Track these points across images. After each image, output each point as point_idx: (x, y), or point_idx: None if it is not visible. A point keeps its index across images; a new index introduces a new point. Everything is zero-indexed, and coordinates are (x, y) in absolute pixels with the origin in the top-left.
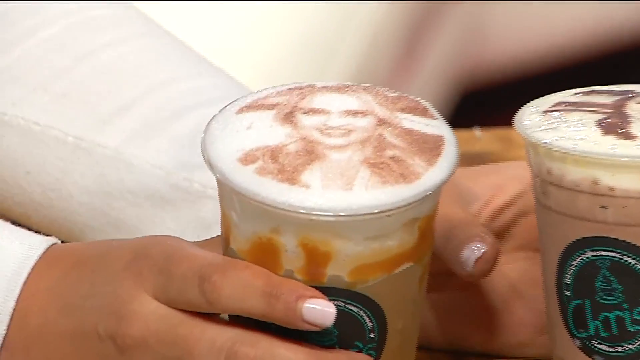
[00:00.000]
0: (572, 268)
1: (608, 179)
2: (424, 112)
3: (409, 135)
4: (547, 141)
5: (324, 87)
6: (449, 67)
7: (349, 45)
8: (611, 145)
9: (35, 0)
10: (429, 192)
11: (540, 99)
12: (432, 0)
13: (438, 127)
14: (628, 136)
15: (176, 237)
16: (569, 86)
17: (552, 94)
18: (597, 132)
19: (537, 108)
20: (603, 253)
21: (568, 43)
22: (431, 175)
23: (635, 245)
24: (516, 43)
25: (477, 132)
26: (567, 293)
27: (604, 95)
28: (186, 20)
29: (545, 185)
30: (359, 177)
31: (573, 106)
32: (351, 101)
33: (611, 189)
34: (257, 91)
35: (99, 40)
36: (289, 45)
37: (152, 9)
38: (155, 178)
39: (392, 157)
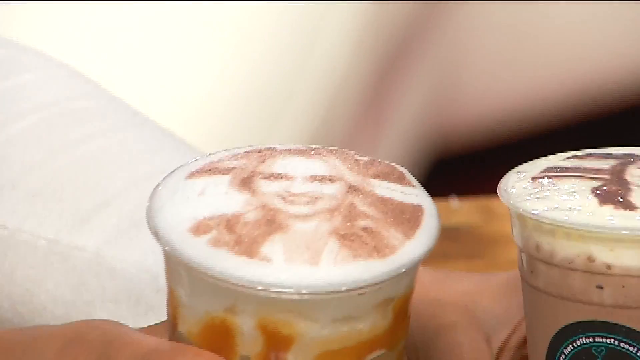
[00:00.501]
0: (564, 357)
1: (605, 255)
2: (400, 179)
3: (384, 204)
4: (535, 212)
5: (286, 150)
6: (419, 126)
7: (303, 97)
8: (609, 216)
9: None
10: (406, 269)
11: (528, 163)
12: (398, 52)
13: (416, 195)
14: (628, 206)
15: (115, 322)
16: (554, 150)
17: (541, 158)
18: (593, 202)
19: (525, 174)
20: (599, 339)
21: (552, 103)
22: (409, 249)
23: (635, 331)
24: (495, 101)
25: (454, 202)
26: None
27: (601, 159)
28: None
29: (534, 262)
30: (326, 250)
31: (565, 172)
32: (318, 165)
33: (609, 266)
34: (210, 154)
35: (78, 132)
36: (238, 99)
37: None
38: (142, 284)
39: (364, 228)
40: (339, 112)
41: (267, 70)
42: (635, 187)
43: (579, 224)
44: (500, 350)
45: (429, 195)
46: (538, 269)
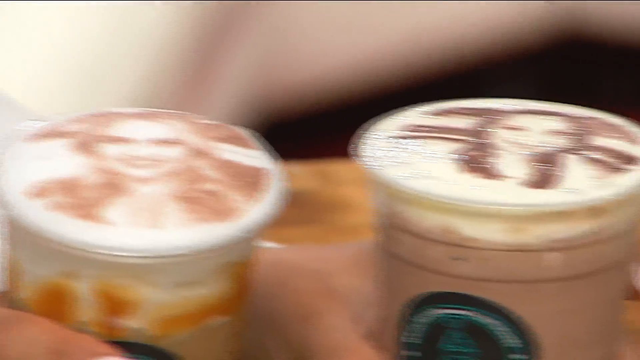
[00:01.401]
0: (418, 326)
1: (464, 227)
2: (244, 142)
3: (228, 167)
4: (395, 179)
5: (127, 114)
6: (248, 92)
7: (128, 62)
8: (470, 186)
9: None
10: (251, 232)
11: (385, 119)
12: (225, 18)
13: (260, 159)
14: (491, 174)
15: None
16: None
17: (400, 111)
18: (454, 169)
19: (382, 133)
20: (456, 311)
21: (383, 64)
22: (254, 212)
23: (494, 304)
24: (326, 64)
25: (293, 166)
26: (409, 353)
27: (463, 116)
28: None
29: (393, 230)
30: (169, 213)
31: (426, 131)
32: (160, 129)
33: (468, 238)
34: (50, 118)
35: None
36: (64, 64)
37: None
38: None
39: (208, 192)
40: (165, 78)
41: (92, 34)
42: (499, 152)
43: (439, 195)
44: (371, 329)
45: (273, 159)
46: (396, 236)
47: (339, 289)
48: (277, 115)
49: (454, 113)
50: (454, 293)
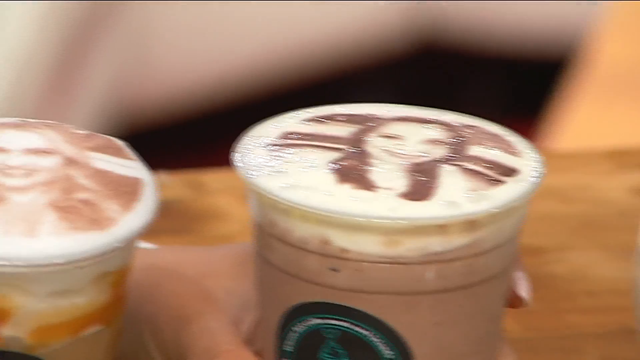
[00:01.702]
0: (295, 335)
1: (341, 239)
2: (118, 152)
3: (102, 176)
4: (272, 190)
5: (1, 124)
6: (110, 102)
7: None
8: (347, 198)
9: None
10: (126, 241)
11: (263, 126)
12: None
13: (135, 168)
14: (367, 185)
15: None
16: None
17: (278, 118)
18: (330, 179)
19: (259, 140)
20: (331, 322)
21: (248, 73)
22: (128, 221)
23: (369, 315)
24: (190, 74)
25: (163, 176)
26: None
27: (342, 123)
28: None
29: (269, 238)
30: (43, 222)
31: (305, 139)
32: (34, 138)
33: (344, 250)
34: None
35: None
36: None
37: None
38: None
39: (82, 201)
40: (25, 88)
41: None
42: (375, 161)
43: (315, 207)
44: (251, 333)
45: (147, 169)
46: (273, 245)
47: (216, 292)
48: (141, 124)
49: (332, 120)
50: (330, 303)
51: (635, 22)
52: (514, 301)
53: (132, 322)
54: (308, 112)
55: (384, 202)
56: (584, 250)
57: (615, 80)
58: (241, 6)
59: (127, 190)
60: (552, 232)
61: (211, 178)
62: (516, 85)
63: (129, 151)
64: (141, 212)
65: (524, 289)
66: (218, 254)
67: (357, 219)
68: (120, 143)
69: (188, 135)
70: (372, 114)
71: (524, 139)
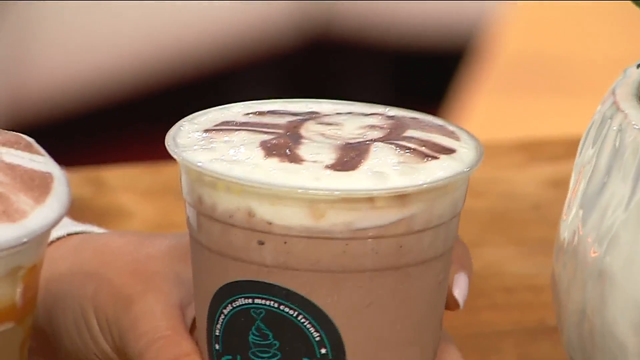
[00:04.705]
0: (223, 317)
1: (266, 211)
2: (28, 147)
3: (12, 170)
4: (199, 163)
5: None
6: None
7: None
8: (273, 169)
9: None
10: (38, 234)
11: (203, 115)
12: None
13: (45, 163)
14: (294, 159)
15: None
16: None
17: (220, 109)
18: (259, 154)
19: (197, 126)
20: (258, 301)
21: (134, 69)
22: (40, 214)
23: (296, 293)
24: (72, 73)
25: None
26: (217, 346)
27: (283, 115)
28: None
29: (198, 216)
30: None
31: (242, 126)
32: None
33: (269, 222)
34: None
35: None
36: None
37: None
38: None
39: None
40: None
41: None
42: (307, 141)
43: (238, 177)
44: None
45: (57, 165)
46: (202, 223)
47: (165, 274)
48: (30, 121)
49: (275, 114)
50: (255, 281)
51: (534, 13)
52: (448, 302)
53: (77, 301)
54: (250, 105)
55: (309, 173)
56: (497, 246)
57: (516, 71)
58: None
59: (37, 184)
60: (463, 228)
61: (111, 175)
62: (412, 78)
63: (38, 147)
64: (53, 206)
65: (459, 291)
66: (170, 238)
67: (279, 188)
68: (29, 139)
69: (82, 132)
70: (315, 111)
71: (466, 131)
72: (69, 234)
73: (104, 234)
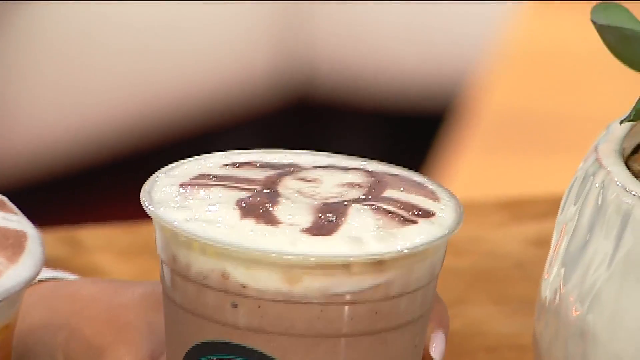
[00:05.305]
0: None
1: (240, 274)
2: (1, 206)
3: None
4: (175, 221)
5: None
6: None
7: None
8: (249, 231)
9: None
10: (10, 294)
11: (179, 166)
12: None
13: (18, 222)
14: (270, 221)
15: None
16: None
17: (196, 159)
18: (235, 215)
19: (173, 179)
20: None
21: (127, 124)
22: (13, 273)
23: (269, 357)
24: (51, 131)
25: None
26: None
27: (261, 168)
28: None
29: (172, 274)
30: None
31: (218, 180)
32: None
33: (244, 285)
34: None
35: None
36: None
37: None
38: None
39: None
40: None
41: None
42: (284, 200)
43: (213, 240)
44: None
45: (31, 223)
46: (175, 281)
47: (137, 324)
48: (5, 180)
49: (251, 165)
50: (229, 343)
51: (517, 70)
52: None
53: (48, 350)
54: (226, 156)
55: (285, 237)
56: (480, 305)
57: (500, 129)
58: (112, 57)
59: (11, 243)
60: (444, 286)
61: (87, 234)
62: (396, 138)
63: (12, 205)
64: (27, 265)
65: (436, 350)
66: (144, 286)
67: (254, 252)
68: (2, 197)
69: (58, 193)
70: (295, 163)
71: (446, 190)
72: (40, 280)
73: (76, 281)
